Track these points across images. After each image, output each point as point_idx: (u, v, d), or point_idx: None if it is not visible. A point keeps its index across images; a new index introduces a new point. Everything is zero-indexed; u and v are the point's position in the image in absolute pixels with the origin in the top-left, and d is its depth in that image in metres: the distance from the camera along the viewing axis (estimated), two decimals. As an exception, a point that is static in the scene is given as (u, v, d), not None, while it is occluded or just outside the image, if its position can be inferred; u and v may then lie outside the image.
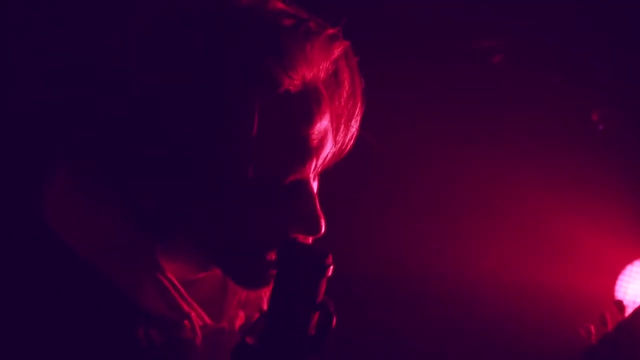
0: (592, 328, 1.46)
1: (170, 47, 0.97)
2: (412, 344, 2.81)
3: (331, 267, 1.06)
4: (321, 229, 1.07)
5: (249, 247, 1.05)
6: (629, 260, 2.72)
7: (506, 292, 2.76)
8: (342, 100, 1.09)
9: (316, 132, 1.03)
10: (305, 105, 1.02)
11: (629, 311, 2.72)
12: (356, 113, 1.12)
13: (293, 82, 1.00)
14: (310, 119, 1.03)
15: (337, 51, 1.05)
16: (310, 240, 1.10)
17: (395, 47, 2.65)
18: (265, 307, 1.19)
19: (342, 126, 1.11)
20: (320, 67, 1.03)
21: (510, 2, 2.67)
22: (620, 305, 1.48)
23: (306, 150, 1.03)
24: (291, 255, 1.07)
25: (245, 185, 1.01)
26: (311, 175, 1.07)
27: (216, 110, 0.97)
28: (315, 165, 1.06)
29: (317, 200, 1.07)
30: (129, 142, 0.99)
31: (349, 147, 1.14)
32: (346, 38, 1.07)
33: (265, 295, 1.19)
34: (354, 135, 1.14)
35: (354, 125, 1.13)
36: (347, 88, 1.09)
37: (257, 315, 1.19)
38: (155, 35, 0.99)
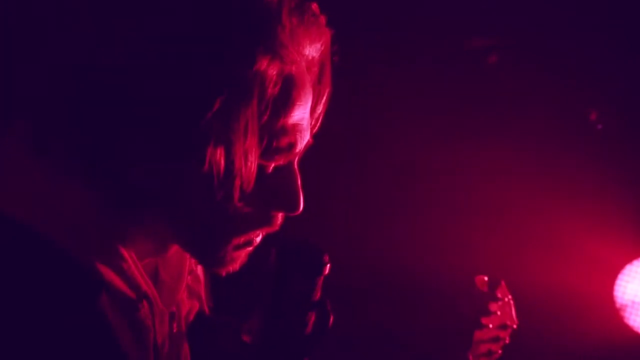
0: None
1: (156, 26, 0.96)
2: (408, 343, 2.81)
3: (327, 266, 1.07)
4: (299, 206, 1.06)
5: (226, 226, 1.04)
6: (629, 260, 2.72)
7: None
8: (315, 82, 1.09)
9: (307, 112, 1.04)
10: (303, 85, 1.03)
11: (627, 311, 2.73)
12: (324, 95, 1.12)
13: (301, 61, 1.01)
14: (305, 99, 1.04)
15: (326, 36, 1.06)
16: (282, 219, 1.08)
17: (392, 47, 2.65)
18: (203, 295, 1.20)
19: (319, 106, 1.12)
20: (316, 48, 1.04)
21: (506, 2, 2.68)
22: (482, 281, 1.62)
23: (300, 130, 1.04)
24: (288, 254, 1.07)
25: (250, 158, 1.00)
26: (297, 156, 1.07)
27: (231, 85, 0.96)
28: (302, 146, 1.06)
29: (298, 179, 1.06)
30: (110, 118, 0.96)
31: (314, 130, 1.13)
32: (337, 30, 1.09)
33: (202, 283, 1.20)
34: (320, 119, 1.14)
35: (319, 109, 1.12)
36: (319, 70, 1.09)
37: (197, 304, 1.20)
38: (139, 14, 0.97)
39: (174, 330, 1.12)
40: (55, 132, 0.99)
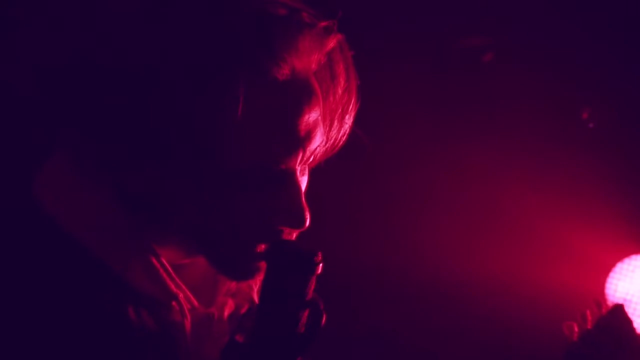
0: (575, 326, 1.52)
1: (156, 33, 0.97)
2: (402, 343, 2.81)
3: (321, 265, 1.06)
4: (305, 222, 1.06)
5: (234, 238, 1.04)
6: (620, 257, 2.73)
7: (498, 290, 2.77)
8: (337, 95, 1.08)
9: (304, 124, 1.02)
10: (294, 96, 1.01)
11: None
12: (350, 109, 1.10)
13: (281, 71, 0.98)
14: (298, 110, 1.01)
15: (331, 44, 1.04)
16: (294, 234, 1.09)
17: (387, 46, 2.65)
18: (255, 297, 1.18)
19: (336, 122, 1.10)
20: (312, 58, 1.02)
21: (501, 1, 2.68)
22: (599, 304, 1.54)
23: (293, 141, 1.02)
24: (280, 253, 1.07)
25: (230, 174, 1.00)
26: (298, 167, 1.05)
27: (202, 97, 0.96)
28: (303, 158, 1.04)
29: (302, 193, 1.06)
30: (121, 129, 0.98)
31: (341, 142, 1.13)
32: (341, 33, 1.06)
33: (255, 286, 1.19)
34: (347, 132, 1.13)
35: (348, 122, 1.11)
36: (342, 83, 1.08)
37: (246, 305, 1.19)
38: (142, 21, 0.98)
39: (213, 331, 1.12)
40: (85, 145, 1.02)
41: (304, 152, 1.04)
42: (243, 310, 1.19)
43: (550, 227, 2.77)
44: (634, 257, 2.72)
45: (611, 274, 2.73)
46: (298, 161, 1.04)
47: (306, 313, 1.08)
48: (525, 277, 2.75)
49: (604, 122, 2.81)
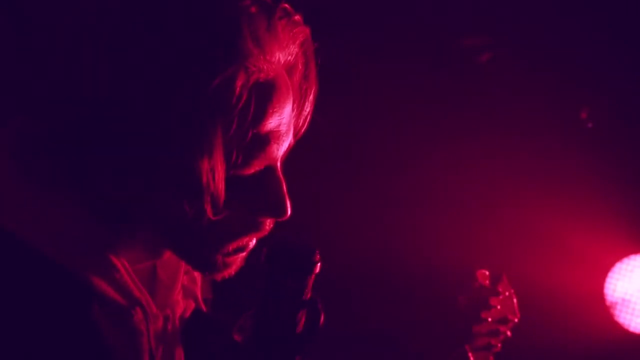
0: (465, 299, 1.63)
1: (143, 38, 0.95)
2: (399, 341, 2.81)
3: (318, 264, 1.07)
4: (287, 212, 1.06)
5: (215, 232, 1.03)
6: (619, 257, 2.73)
7: (496, 289, 2.76)
8: (296, 83, 1.08)
9: (285, 117, 1.03)
10: (277, 91, 1.01)
11: (617, 309, 2.74)
12: (310, 95, 1.11)
13: (272, 67, 0.99)
14: (281, 105, 1.02)
15: (301, 36, 1.04)
16: (271, 224, 1.08)
17: (385, 46, 2.65)
18: (199, 294, 1.19)
19: (296, 110, 1.10)
20: (291, 51, 1.03)
21: (497, 1, 2.68)
22: (475, 277, 1.65)
23: (278, 136, 1.02)
24: (279, 253, 1.07)
25: (217, 174, 0.98)
26: (279, 161, 1.06)
27: (201, 101, 0.94)
28: (283, 149, 1.05)
29: (284, 185, 1.06)
30: (91, 132, 0.96)
31: (302, 131, 1.13)
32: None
33: (199, 283, 1.19)
34: (308, 119, 1.13)
35: (307, 109, 1.12)
36: (301, 71, 1.08)
37: (192, 303, 1.19)
38: (120, 27, 0.96)
39: (169, 332, 1.12)
40: (40, 147, 1.00)
41: (286, 144, 1.05)
42: (190, 310, 1.19)
43: (550, 227, 2.77)
44: (632, 257, 2.73)
45: (610, 274, 2.73)
46: (280, 154, 1.05)
47: (304, 313, 1.08)
48: (525, 277, 2.74)
49: (603, 122, 2.81)
